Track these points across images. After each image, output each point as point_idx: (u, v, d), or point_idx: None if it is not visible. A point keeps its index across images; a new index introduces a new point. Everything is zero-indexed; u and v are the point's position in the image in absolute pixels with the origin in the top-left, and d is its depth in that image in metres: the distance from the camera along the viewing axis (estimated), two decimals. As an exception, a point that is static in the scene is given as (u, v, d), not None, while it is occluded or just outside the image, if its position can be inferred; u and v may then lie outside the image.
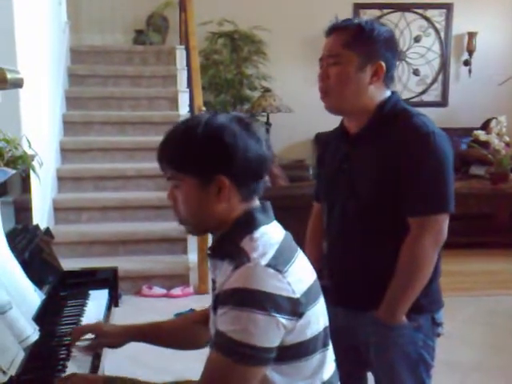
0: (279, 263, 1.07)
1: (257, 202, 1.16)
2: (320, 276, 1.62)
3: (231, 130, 1.09)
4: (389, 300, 1.46)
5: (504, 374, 2.74)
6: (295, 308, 1.06)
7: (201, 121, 1.11)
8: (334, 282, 1.57)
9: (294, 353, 1.09)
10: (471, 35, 5.94)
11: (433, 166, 1.42)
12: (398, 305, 1.45)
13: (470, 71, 6.06)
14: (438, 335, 1.54)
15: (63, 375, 1.27)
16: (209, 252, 1.18)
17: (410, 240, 1.43)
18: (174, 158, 1.13)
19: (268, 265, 1.05)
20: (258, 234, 1.11)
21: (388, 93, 1.51)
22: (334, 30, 1.48)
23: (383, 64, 1.45)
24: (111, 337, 1.36)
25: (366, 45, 1.45)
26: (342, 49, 1.45)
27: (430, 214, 1.43)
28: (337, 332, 1.54)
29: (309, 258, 1.68)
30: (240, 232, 1.11)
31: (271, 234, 1.13)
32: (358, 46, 1.44)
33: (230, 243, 1.12)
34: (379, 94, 1.49)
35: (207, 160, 1.09)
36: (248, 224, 1.12)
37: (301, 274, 1.11)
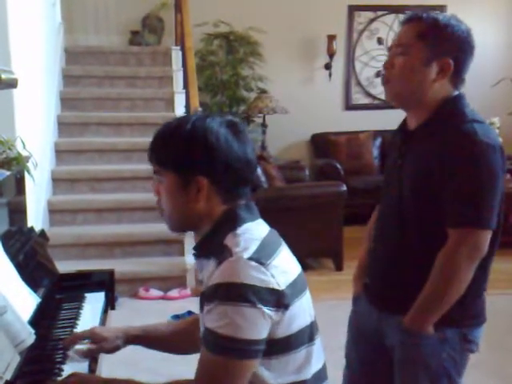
0: (262, 256, 1.08)
1: (241, 201, 1.16)
2: (365, 272, 1.61)
3: (216, 132, 1.11)
4: (417, 309, 1.41)
5: (500, 373, 2.75)
6: (280, 299, 1.07)
7: (189, 121, 1.13)
8: (371, 281, 1.57)
9: (281, 347, 1.10)
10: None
11: (473, 178, 1.35)
12: (426, 315, 1.40)
13: (464, 72, 6.07)
14: (471, 351, 1.48)
15: (60, 378, 1.25)
16: (194, 252, 1.19)
17: (445, 250, 1.38)
18: (158, 153, 1.15)
19: (250, 258, 1.06)
20: (240, 230, 1.12)
21: (454, 93, 1.45)
22: (409, 20, 1.44)
23: (451, 62, 1.39)
24: (108, 341, 1.35)
25: (437, 39, 1.39)
26: (411, 39, 1.40)
27: (469, 227, 1.36)
28: (369, 331, 1.55)
29: (360, 255, 1.66)
30: (223, 229, 1.12)
31: (254, 230, 1.14)
32: (427, 39, 1.39)
33: (213, 241, 1.13)
34: (443, 92, 1.43)
35: (188, 159, 1.11)
36: (231, 221, 1.13)
37: (285, 267, 1.12)
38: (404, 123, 1.54)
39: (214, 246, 1.12)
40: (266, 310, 1.04)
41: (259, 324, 1.04)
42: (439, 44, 1.39)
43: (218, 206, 1.14)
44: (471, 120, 1.40)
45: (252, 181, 1.17)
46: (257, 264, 1.06)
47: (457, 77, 1.43)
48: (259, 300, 1.03)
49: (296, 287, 1.12)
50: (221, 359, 1.03)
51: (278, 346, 1.09)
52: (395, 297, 1.48)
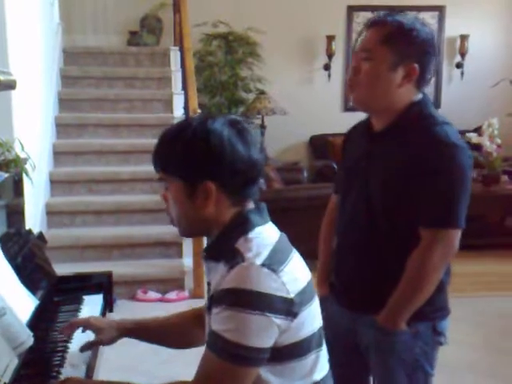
0: (274, 263, 1.07)
1: (251, 204, 1.15)
2: (330, 273, 1.61)
3: (219, 134, 1.08)
4: (391, 307, 1.44)
5: (494, 375, 2.75)
6: (290, 308, 1.06)
7: (191, 124, 1.11)
8: (340, 281, 1.56)
9: (288, 353, 1.09)
10: (463, 38, 5.97)
11: (448, 180, 1.38)
12: (400, 313, 1.44)
13: (462, 74, 6.09)
14: (440, 344, 1.51)
15: (57, 380, 1.25)
16: (203, 254, 1.18)
17: (419, 251, 1.41)
18: (162, 160, 1.14)
19: (263, 264, 1.05)
20: (252, 234, 1.10)
21: (419, 96, 1.46)
22: (374, 24, 1.43)
23: (417, 66, 1.40)
24: (104, 332, 1.35)
25: (402, 44, 1.39)
26: (377, 45, 1.40)
27: (442, 227, 1.40)
28: (341, 333, 1.54)
29: (320, 253, 1.64)
30: (234, 233, 1.11)
31: (266, 235, 1.12)
32: (393, 44, 1.39)
33: (224, 245, 1.11)
34: (409, 95, 1.44)
35: (192, 165, 1.09)
36: (242, 225, 1.11)
37: (295, 274, 1.11)
38: (368, 125, 1.55)
39: (224, 250, 1.11)
40: (274, 318, 1.03)
41: (266, 332, 1.03)
42: (404, 48, 1.39)
43: (228, 209, 1.12)
44: (441, 122, 1.43)
45: (259, 180, 1.15)
46: (269, 271, 1.05)
47: (421, 80, 1.44)
48: (268, 308, 1.03)
49: (305, 295, 1.11)
50: (223, 363, 1.03)
51: (286, 353, 1.08)
52: (367, 297, 1.50)
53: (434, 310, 1.48)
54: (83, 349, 1.35)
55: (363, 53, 1.43)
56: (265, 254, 1.07)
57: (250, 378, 1.05)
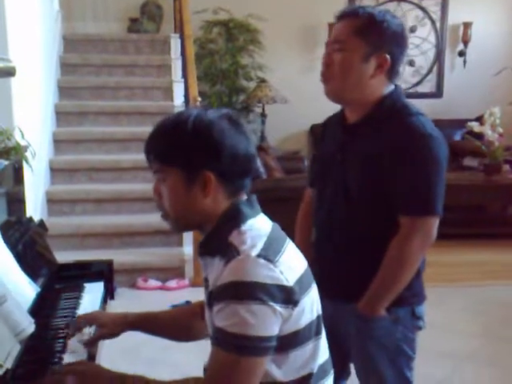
0: (269, 253, 1.07)
1: (244, 196, 1.16)
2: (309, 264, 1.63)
3: (220, 126, 1.10)
4: (371, 294, 1.47)
5: (496, 363, 2.76)
6: (290, 296, 1.07)
7: (190, 115, 1.12)
8: (320, 272, 1.57)
9: (289, 342, 1.10)
10: (466, 25, 5.93)
11: (424, 169, 1.42)
12: (380, 300, 1.47)
13: (464, 62, 6.05)
14: (419, 328, 1.55)
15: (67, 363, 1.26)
16: (199, 250, 1.18)
17: (398, 239, 1.43)
18: (161, 150, 1.13)
19: (258, 255, 1.05)
20: (245, 227, 1.11)
21: (391, 87, 1.49)
22: (345, 16, 1.46)
23: (388, 57, 1.43)
24: (109, 327, 1.36)
25: (374, 35, 1.42)
26: (350, 36, 1.43)
27: (420, 215, 1.43)
28: (326, 324, 1.56)
29: (297, 245, 1.69)
30: (227, 227, 1.11)
31: (259, 226, 1.13)
32: (365, 35, 1.42)
33: (218, 239, 1.12)
34: (381, 87, 1.47)
35: (194, 154, 1.10)
36: (235, 218, 1.12)
37: (292, 263, 1.12)
38: (342, 117, 1.57)
39: (218, 244, 1.11)
40: (276, 306, 1.04)
41: (270, 321, 1.04)
42: (376, 39, 1.42)
43: (224, 200, 1.13)
44: (416, 113, 1.46)
45: (254, 172, 1.17)
46: (265, 261, 1.05)
47: (393, 71, 1.47)
48: (269, 297, 1.03)
49: (303, 283, 1.12)
50: (233, 357, 1.03)
51: (286, 342, 1.09)
52: (348, 286, 1.52)
53: (412, 295, 1.52)
54: (87, 344, 1.35)
55: (336, 44, 1.46)
56: (260, 245, 1.08)
57: (261, 368, 1.06)
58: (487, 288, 3.74)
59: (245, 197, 1.16)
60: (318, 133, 1.77)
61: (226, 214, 1.13)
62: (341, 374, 1.66)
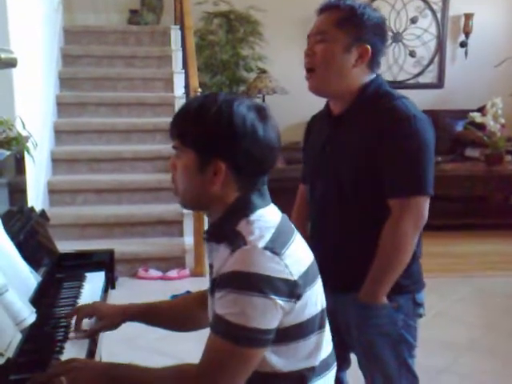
0: (276, 246, 1.07)
1: (256, 188, 1.15)
2: None
3: (242, 118, 1.08)
4: (370, 282, 1.48)
5: (496, 353, 2.78)
6: (293, 290, 1.06)
7: (217, 102, 1.10)
8: (318, 265, 1.58)
9: (291, 334, 1.10)
10: (468, 16, 5.90)
11: (411, 149, 1.43)
12: (379, 286, 1.47)
13: (466, 53, 6.03)
14: (420, 316, 1.56)
15: (61, 357, 1.26)
16: (205, 236, 1.18)
17: (390, 222, 1.45)
18: (181, 129, 1.13)
19: (265, 247, 1.05)
20: (254, 217, 1.10)
21: (372, 75, 1.52)
22: (326, 8, 1.50)
23: (369, 48, 1.46)
24: (109, 318, 1.36)
25: (355, 26, 1.46)
26: (331, 27, 1.46)
27: (409, 196, 1.44)
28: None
29: None
30: (236, 215, 1.11)
31: (268, 217, 1.12)
32: (346, 26, 1.45)
33: (226, 227, 1.11)
34: (363, 77, 1.50)
35: (210, 141, 1.09)
36: (244, 207, 1.11)
37: (298, 256, 1.11)
38: (327, 110, 1.59)
39: (225, 232, 1.11)
40: (278, 300, 1.04)
41: (270, 314, 1.04)
42: (357, 31, 1.46)
43: (233, 193, 1.12)
44: (398, 97, 1.49)
45: (271, 169, 1.15)
46: (271, 254, 1.05)
47: (373, 61, 1.50)
48: (272, 290, 1.03)
49: (308, 276, 1.12)
50: (229, 346, 1.03)
51: (289, 334, 1.09)
52: (346, 276, 1.53)
53: (412, 283, 1.53)
54: (87, 335, 1.36)
55: (317, 35, 1.49)
56: (267, 236, 1.07)
57: (256, 360, 1.06)
58: (488, 278, 3.74)
59: (258, 188, 1.15)
60: (305, 129, 1.78)
61: (236, 203, 1.12)
62: (341, 365, 1.65)
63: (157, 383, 1.10)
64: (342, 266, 1.53)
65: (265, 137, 1.09)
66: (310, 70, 1.52)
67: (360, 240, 1.51)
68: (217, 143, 1.08)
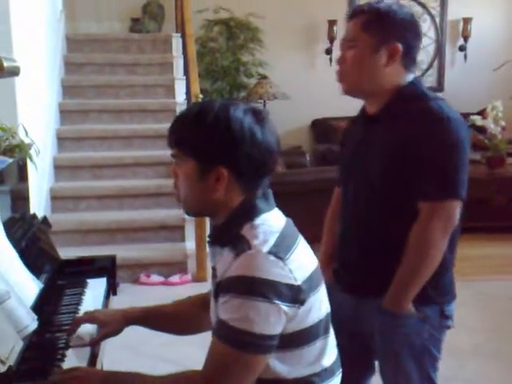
0: (280, 250, 1.06)
1: (259, 191, 1.14)
2: (334, 259, 1.61)
3: (240, 122, 1.07)
4: (395, 287, 1.43)
5: (500, 358, 2.75)
6: (297, 295, 1.06)
7: (213, 108, 1.09)
8: (344, 267, 1.56)
9: (295, 340, 1.09)
10: (466, 21, 5.92)
11: (444, 152, 1.39)
12: (405, 292, 1.42)
13: (465, 57, 6.04)
14: (448, 328, 1.50)
15: (63, 365, 1.26)
16: (209, 239, 1.18)
17: (418, 225, 1.40)
18: (179, 138, 1.12)
19: (269, 252, 1.05)
20: (258, 221, 1.10)
21: (410, 76, 1.48)
22: (353, 15, 1.48)
23: (400, 46, 1.43)
24: (111, 325, 1.35)
25: (380, 26, 1.43)
26: (358, 32, 1.45)
27: (440, 199, 1.39)
28: (344, 319, 1.51)
29: (325, 243, 1.64)
30: (240, 219, 1.10)
31: (272, 222, 1.12)
32: (371, 28, 1.43)
33: (230, 231, 1.11)
34: (398, 76, 1.46)
35: (210, 148, 1.08)
36: (249, 212, 1.11)
37: (302, 261, 1.10)
38: (363, 110, 1.57)
39: (230, 236, 1.10)
40: (282, 305, 1.03)
41: (274, 319, 1.03)
42: (384, 31, 1.43)
43: (237, 196, 1.11)
44: (434, 98, 1.46)
45: (272, 170, 1.14)
46: (275, 258, 1.04)
47: (407, 58, 1.46)
48: (276, 295, 1.02)
49: (312, 281, 1.11)
50: (233, 351, 1.02)
51: (293, 340, 1.08)
52: (372, 281, 1.49)
53: (441, 294, 1.48)
54: (91, 344, 1.35)
55: (347, 42, 1.48)
56: (271, 241, 1.07)
57: (260, 366, 1.05)
58: (490, 282, 3.71)
59: (261, 191, 1.14)
60: (343, 133, 1.75)
61: (241, 207, 1.11)
62: (365, 372, 1.64)
63: None
64: (368, 270, 1.49)
65: (263, 139, 1.09)
66: (341, 76, 1.50)
67: (389, 245, 1.45)
68: (217, 150, 1.08)
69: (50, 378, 1.17)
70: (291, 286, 1.04)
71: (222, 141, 1.07)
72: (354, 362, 1.57)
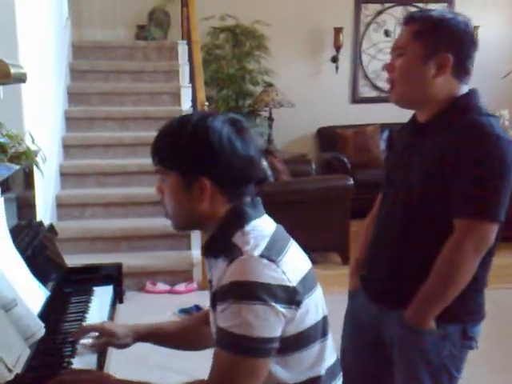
0: (272, 253, 1.08)
1: (247, 199, 1.16)
2: (362, 265, 1.60)
3: (218, 132, 1.10)
4: (419, 301, 1.39)
5: (508, 367, 2.73)
6: (292, 297, 1.07)
7: (191, 120, 1.12)
8: (372, 275, 1.54)
9: (294, 343, 1.10)
10: (473, 29, 5.91)
11: (487, 170, 1.33)
12: (428, 308, 1.39)
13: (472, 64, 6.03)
14: (471, 348, 1.46)
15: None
16: (203, 251, 1.19)
17: (451, 242, 1.36)
18: (161, 154, 1.15)
19: (261, 255, 1.06)
20: (249, 227, 1.11)
21: (465, 88, 1.44)
22: (405, 22, 1.46)
23: (450, 57, 1.39)
24: (118, 338, 1.35)
25: (431, 37, 1.40)
26: (408, 40, 1.42)
27: (476, 218, 1.34)
28: (368, 327, 1.53)
29: (360, 249, 1.64)
30: (231, 227, 1.12)
31: (262, 227, 1.13)
32: (422, 38, 1.40)
33: (221, 240, 1.12)
34: (449, 87, 1.42)
35: (190, 160, 1.11)
36: (238, 219, 1.12)
37: (295, 264, 1.12)
38: (414, 118, 1.54)
39: (222, 245, 1.12)
40: (278, 307, 1.04)
41: (272, 322, 1.04)
42: (435, 40, 1.40)
43: (223, 206, 1.13)
44: (486, 114, 1.41)
45: (255, 178, 1.16)
46: (268, 261, 1.06)
47: (460, 70, 1.42)
48: (272, 298, 1.03)
49: (306, 283, 1.12)
50: (236, 358, 1.03)
51: (292, 343, 1.09)
52: (396, 290, 1.46)
53: (467, 313, 1.44)
54: (93, 347, 1.36)
55: (397, 50, 1.45)
56: (262, 245, 1.08)
57: (263, 369, 1.06)
58: (503, 291, 3.68)
59: (248, 198, 1.16)
60: (392, 137, 1.74)
61: (230, 215, 1.13)
62: (384, 381, 1.60)
63: None
64: (395, 279, 1.46)
65: (242, 148, 1.11)
66: (391, 84, 1.47)
67: (421, 257, 1.41)
68: (197, 161, 1.10)
69: (59, 375, 1.17)
70: (286, 288, 1.05)
71: (201, 151, 1.09)
72: (375, 370, 1.58)
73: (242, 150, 1.11)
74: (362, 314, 1.57)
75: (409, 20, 1.45)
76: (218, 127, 1.10)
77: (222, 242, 1.11)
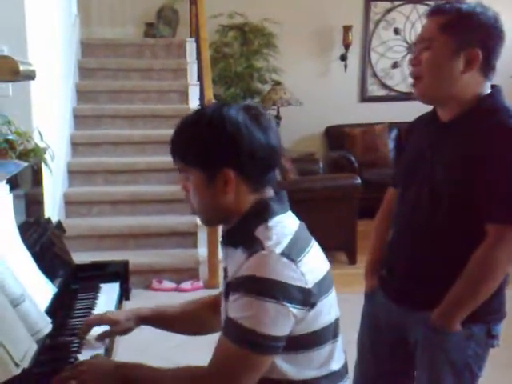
0: (293, 253, 1.07)
1: (271, 192, 1.15)
2: (381, 265, 1.58)
3: (235, 121, 1.08)
4: (448, 303, 1.38)
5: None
6: (307, 298, 1.06)
7: (206, 113, 1.11)
8: (393, 274, 1.52)
9: (304, 342, 1.10)
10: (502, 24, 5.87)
11: None
12: (457, 310, 1.37)
13: (482, 64, 5.99)
14: (493, 346, 1.46)
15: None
16: (222, 239, 1.18)
17: (484, 247, 1.34)
18: (180, 151, 1.14)
19: (282, 254, 1.05)
20: (272, 222, 1.10)
21: (488, 85, 1.40)
22: (432, 13, 1.40)
23: (479, 52, 1.34)
24: (120, 324, 1.37)
25: (461, 30, 1.34)
26: (436, 33, 1.36)
27: (508, 224, 1.32)
28: (388, 328, 1.52)
29: (373, 245, 1.61)
30: (254, 221, 1.11)
31: (286, 224, 1.12)
32: (451, 31, 1.34)
33: (244, 231, 1.11)
34: (475, 84, 1.38)
35: (210, 154, 1.10)
36: (263, 213, 1.12)
37: (314, 265, 1.11)
38: (434, 115, 1.49)
39: (243, 236, 1.11)
40: (291, 308, 1.04)
41: (282, 321, 1.04)
42: (464, 34, 1.34)
43: (247, 196, 1.12)
44: None
45: (277, 165, 1.15)
46: (288, 260, 1.05)
47: (487, 66, 1.37)
48: (286, 297, 1.03)
49: (323, 285, 1.11)
50: (239, 350, 1.03)
51: (302, 342, 1.09)
52: (421, 292, 1.44)
53: (491, 312, 1.43)
54: (99, 338, 1.37)
55: (423, 43, 1.39)
56: (284, 243, 1.07)
57: (264, 366, 1.06)
58: (508, 291, 3.67)
59: (273, 193, 1.15)
60: (404, 131, 1.69)
61: (255, 208, 1.12)
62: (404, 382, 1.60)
63: (170, 382, 1.11)
64: (418, 282, 1.44)
65: (261, 134, 1.09)
66: (416, 79, 1.42)
67: (447, 256, 1.40)
68: (218, 152, 1.09)
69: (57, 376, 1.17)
70: (302, 289, 1.05)
71: (221, 142, 1.08)
72: (394, 371, 1.56)
73: (261, 137, 1.09)
74: (381, 315, 1.55)
75: (436, 11, 1.39)
76: (234, 115, 1.09)
77: (244, 234, 1.11)
